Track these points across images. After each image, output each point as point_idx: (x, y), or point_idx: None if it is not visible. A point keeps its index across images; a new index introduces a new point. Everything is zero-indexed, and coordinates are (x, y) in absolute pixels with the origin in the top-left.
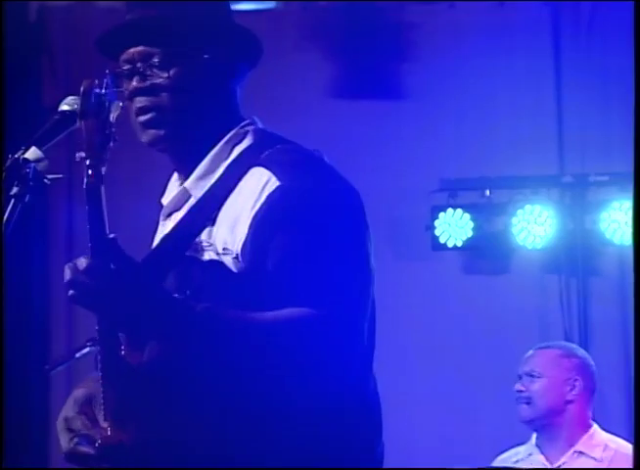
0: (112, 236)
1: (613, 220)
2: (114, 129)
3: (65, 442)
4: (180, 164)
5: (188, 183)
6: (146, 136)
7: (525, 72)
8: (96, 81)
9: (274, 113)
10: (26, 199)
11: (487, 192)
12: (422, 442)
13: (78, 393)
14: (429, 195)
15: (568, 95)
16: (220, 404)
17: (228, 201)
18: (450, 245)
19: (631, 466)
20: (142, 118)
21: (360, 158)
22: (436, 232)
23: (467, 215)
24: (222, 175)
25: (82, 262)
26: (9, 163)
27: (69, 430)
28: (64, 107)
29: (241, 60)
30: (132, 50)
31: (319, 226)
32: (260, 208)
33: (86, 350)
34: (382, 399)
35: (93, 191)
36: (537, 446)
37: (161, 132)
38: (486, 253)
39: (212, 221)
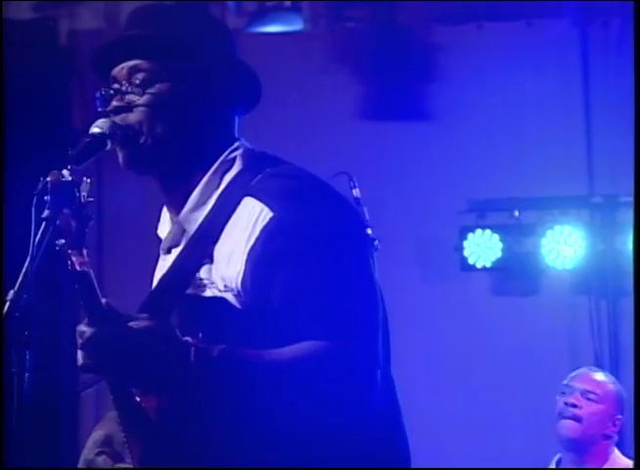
0: (104, 301)
1: None
2: (88, 209)
3: None
4: (168, 191)
5: (182, 217)
6: (122, 157)
7: (553, 93)
8: (63, 171)
9: (303, 134)
10: (57, 222)
11: (516, 212)
12: (450, 461)
13: (96, 435)
14: (457, 215)
15: (597, 115)
16: (240, 446)
17: (223, 235)
18: (479, 266)
19: None
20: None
21: (388, 178)
22: (465, 253)
23: (496, 236)
24: (214, 207)
25: (84, 332)
26: (40, 186)
27: None
28: (94, 129)
29: (241, 98)
30: (124, 65)
31: (319, 256)
32: (256, 242)
33: None
34: (411, 418)
35: (81, 275)
36: None
37: (141, 154)
38: (516, 273)
39: (210, 258)
